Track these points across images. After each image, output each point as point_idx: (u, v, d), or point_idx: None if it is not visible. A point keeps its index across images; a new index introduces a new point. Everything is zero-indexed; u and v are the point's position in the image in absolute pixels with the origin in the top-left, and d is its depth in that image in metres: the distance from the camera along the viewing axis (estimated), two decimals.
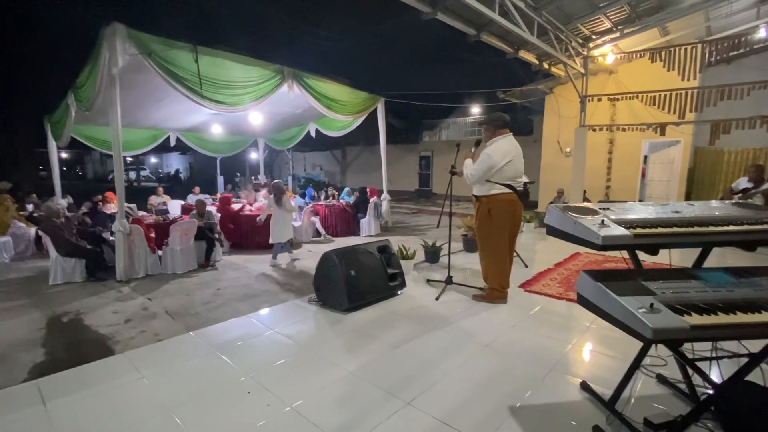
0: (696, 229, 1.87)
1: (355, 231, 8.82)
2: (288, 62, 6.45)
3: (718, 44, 8.17)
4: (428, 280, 4.72)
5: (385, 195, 9.15)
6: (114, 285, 4.98)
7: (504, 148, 3.72)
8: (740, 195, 5.99)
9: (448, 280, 4.37)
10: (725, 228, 1.89)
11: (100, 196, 8.08)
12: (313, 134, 10.12)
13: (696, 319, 1.46)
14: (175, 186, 22.47)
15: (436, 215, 6.56)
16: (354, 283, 3.77)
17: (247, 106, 6.12)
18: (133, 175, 31.58)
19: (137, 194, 11.78)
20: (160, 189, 10.40)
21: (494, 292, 3.98)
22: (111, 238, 5.46)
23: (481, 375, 2.64)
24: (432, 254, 5.66)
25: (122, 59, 4.72)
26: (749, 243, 1.96)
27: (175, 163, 34.85)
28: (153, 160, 36.31)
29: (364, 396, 2.41)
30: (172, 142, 10.51)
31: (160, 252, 5.62)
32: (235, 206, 7.94)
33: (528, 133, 15.12)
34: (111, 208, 7.27)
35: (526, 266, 5.33)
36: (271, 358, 2.95)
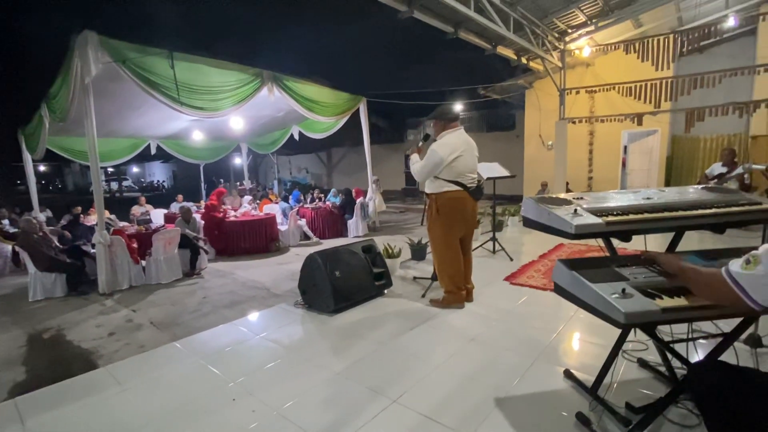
0: (666, 214, 1.92)
1: (342, 233, 8.80)
2: (267, 65, 6.41)
3: (690, 34, 8.37)
4: (414, 278, 4.74)
5: (370, 195, 9.15)
6: (97, 298, 4.89)
7: (453, 143, 3.48)
8: (716, 180, 6.14)
9: (434, 277, 4.38)
10: (694, 212, 1.93)
11: (80, 208, 7.91)
12: (296, 137, 10.05)
13: (667, 302, 1.50)
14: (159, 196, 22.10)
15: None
16: (339, 284, 3.76)
17: (226, 111, 6.05)
18: (114, 185, 31.01)
19: (120, 205, 11.58)
20: (143, 198, 10.24)
21: (450, 295, 3.75)
22: (92, 250, 5.36)
23: (468, 368, 2.66)
24: (418, 252, 5.68)
25: (95, 68, 4.62)
26: (718, 225, 2.01)
27: (157, 172, 34.28)
28: (135, 169, 35.72)
29: (350, 396, 2.41)
30: (153, 151, 10.36)
31: (143, 262, 5.52)
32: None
33: (510, 128, 15.23)
34: (92, 220, 7.12)
35: (512, 259, 5.38)
36: (257, 363, 2.93)
